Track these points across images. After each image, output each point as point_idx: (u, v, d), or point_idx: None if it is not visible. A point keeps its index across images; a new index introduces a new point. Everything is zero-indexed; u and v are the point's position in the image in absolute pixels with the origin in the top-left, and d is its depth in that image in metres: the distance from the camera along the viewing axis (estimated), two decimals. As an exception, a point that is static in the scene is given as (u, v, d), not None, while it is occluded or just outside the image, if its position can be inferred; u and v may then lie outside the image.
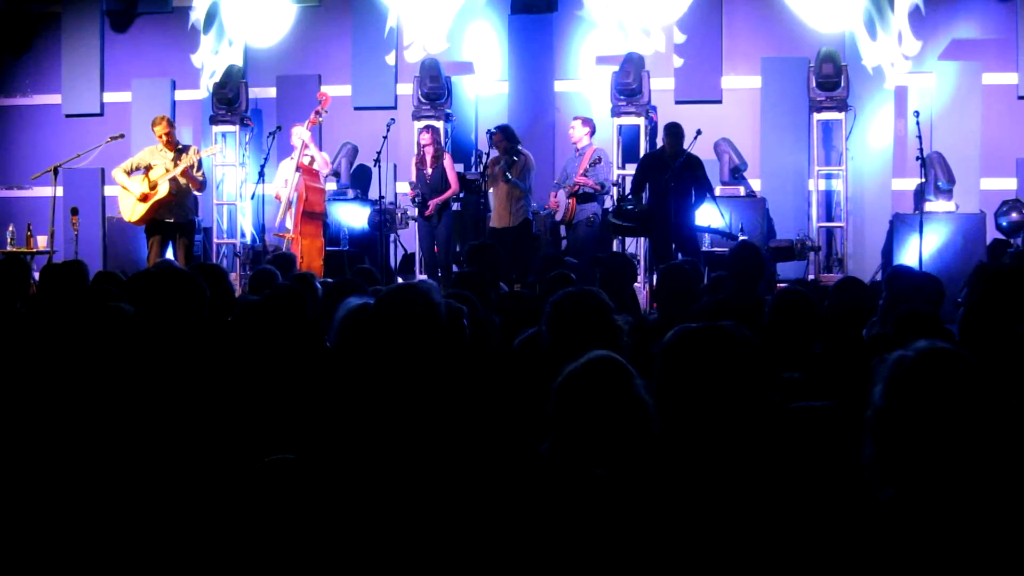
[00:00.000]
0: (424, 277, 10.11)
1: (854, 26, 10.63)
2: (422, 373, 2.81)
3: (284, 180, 9.76)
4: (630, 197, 9.33)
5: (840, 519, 2.11)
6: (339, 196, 10.88)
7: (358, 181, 11.15)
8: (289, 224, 9.58)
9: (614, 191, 10.58)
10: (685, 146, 9.06)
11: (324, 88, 11.50)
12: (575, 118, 10.20)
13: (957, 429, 2.00)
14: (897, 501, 2.02)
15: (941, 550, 1.96)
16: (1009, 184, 10.32)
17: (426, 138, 9.93)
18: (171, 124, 9.37)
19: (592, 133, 10.07)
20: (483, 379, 3.14)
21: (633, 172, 10.63)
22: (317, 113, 9.86)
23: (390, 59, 11.58)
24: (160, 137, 9.20)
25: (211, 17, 11.87)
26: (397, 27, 11.59)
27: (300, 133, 9.73)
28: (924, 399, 2.01)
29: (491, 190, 9.78)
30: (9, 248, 10.62)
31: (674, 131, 9.11)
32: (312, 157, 9.75)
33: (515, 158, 9.47)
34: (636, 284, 8.56)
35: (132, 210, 9.24)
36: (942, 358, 2.05)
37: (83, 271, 5.21)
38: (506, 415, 2.90)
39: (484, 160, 10.07)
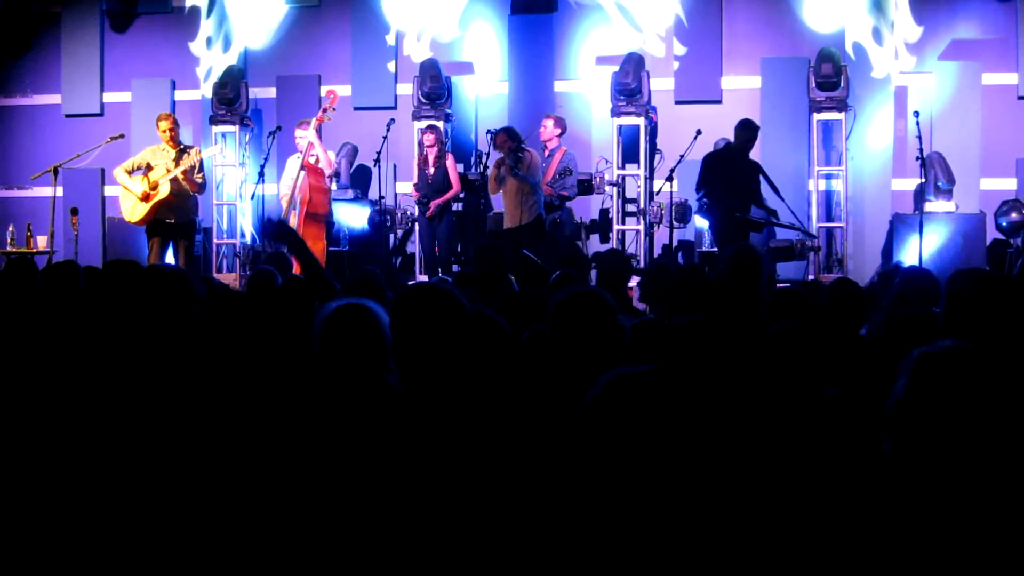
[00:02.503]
0: (424, 278, 10.11)
1: (854, 26, 10.64)
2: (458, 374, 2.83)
3: (292, 180, 9.64)
4: (703, 195, 9.27)
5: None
6: (339, 196, 10.87)
7: (358, 181, 11.15)
8: (292, 224, 9.52)
9: (610, 189, 10.59)
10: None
11: (324, 88, 11.51)
12: (547, 116, 10.20)
13: (975, 424, 2.02)
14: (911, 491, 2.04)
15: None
16: (1009, 184, 10.33)
17: (430, 138, 9.92)
18: (175, 122, 9.36)
19: (563, 133, 10.09)
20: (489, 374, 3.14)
21: (632, 172, 10.69)
22: (324, 111, 9.76)
23: (389, 60, 11.58)
24: (164, 132, 9.19)
25: (211, 32, 11.88)
26: (397, 27, 11.58)
27: (306, 133, 9.60)
28: (946, 394, 2.04)
29: (500, 191, 9.53)
30: (9, 248, 10.62)
31: (750, 125, 9.15)
32: (317, 156, 9.61)
33: (520, 155, 9.36)
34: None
35: (133, 210, 9.23)
36: (966, 356, 2.08)
37: (76, 271, 5.22)
38: (511, 411, 2.90)
39: (484, 160, 10.06)
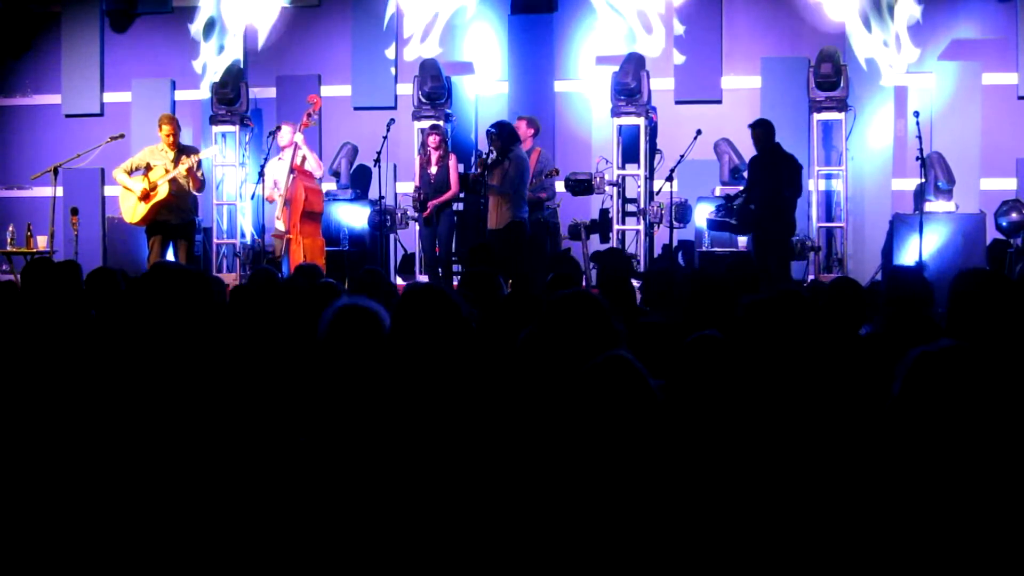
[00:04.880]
0: (424, 277, 10.11)
1: (854, 25, 10.64)
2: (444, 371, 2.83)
3: (274, 181, 9.68)
4: (733, 197, 9.28)
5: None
6: (339, 196, 10.88)
7: (358, 181, 11.15)
8: (281, 226, 9.53)
9: (610, 189, 10.60)
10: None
11: (324, 88, 11.52)
12: (519, 118, 10.16)
13: (972, 423, 2.03)
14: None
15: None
16: (1009, 184, 10.32)
17: (435, 139, 9.89)
18: (177, 126, 9.36)
19: (536, 134, 10.07)
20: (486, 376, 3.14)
21: (632, 172, 10.70)
22: (309, 116, 9.80)
23: (390, 55, 11.58)
24: (166, 137, 9.20)
25: (211, 24, 11.88)
26: (397, 27, 11.60)
27: (294, 135, 9.65)
28: (943, 393, 2.04)
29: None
30: (9, 248, 10.63)
31: (752, 128, 9.06)
32: (304, 157, 9.67)
33: (502, 160, 9.29)
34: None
35: (133, 211, 9.23)
36: (964, 356, 2.08)
37: (77, 271, 5.22)
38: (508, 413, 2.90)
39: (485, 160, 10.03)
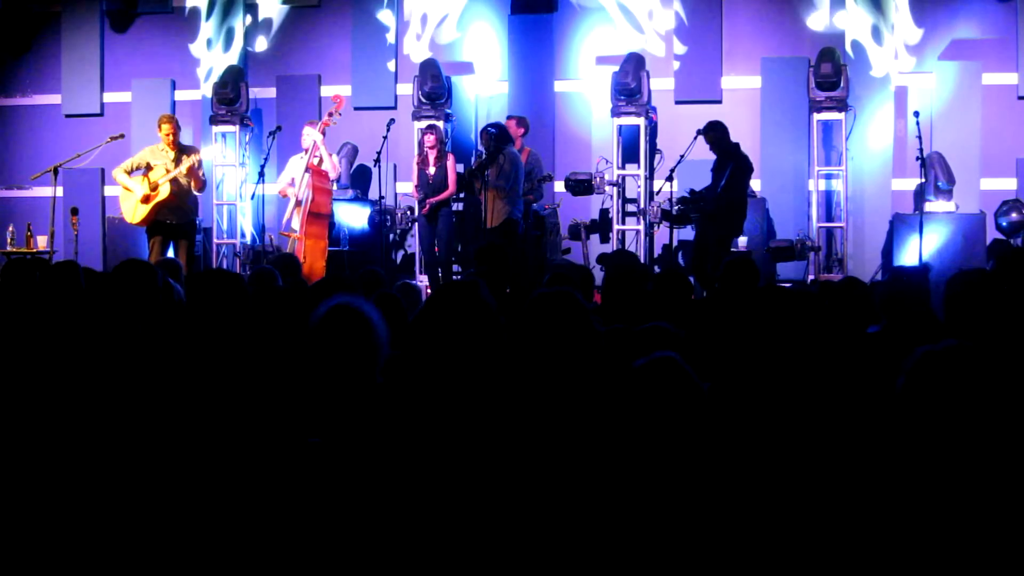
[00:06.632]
0: (424, 278, 10.11)
1: (854, 26, 10.64)
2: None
3: (291, 178, 9.70)
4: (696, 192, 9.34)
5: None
6: (339, 196, 10.87)
7: (358, 181, 11.15)
8: (295, 224, 9.55)
9: (610, 189, 10.60)
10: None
11: (324, 88, 11.53)
12: (508, 117, 10.18)
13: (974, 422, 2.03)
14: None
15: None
16: (1009, 184, 10.33)
17: (431, 139, 9.89)
18: (177, 125, 9.36)
19: (525, 134, 10.08)
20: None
21: (632, 172, 10.71)
22: (331, 115, 9.80)
23: (389, 60, 11.58)
24: (166, 136, 9.20)
25: (209, 43, 11.89)
26: (397, 27, 11.60)
27: (312, 134, 9.66)
28: (948, 390, 2.05)
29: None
30: (9, 248, 10.63)
31: (703, 133, 9.12)
32: (321, 159, 9.67)
33: (497, 156, 9.30)
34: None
35: (134, 211, 9.23)
36: (967, 355, 2.09)
37: (77, 271, 5.22)
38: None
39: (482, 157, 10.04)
